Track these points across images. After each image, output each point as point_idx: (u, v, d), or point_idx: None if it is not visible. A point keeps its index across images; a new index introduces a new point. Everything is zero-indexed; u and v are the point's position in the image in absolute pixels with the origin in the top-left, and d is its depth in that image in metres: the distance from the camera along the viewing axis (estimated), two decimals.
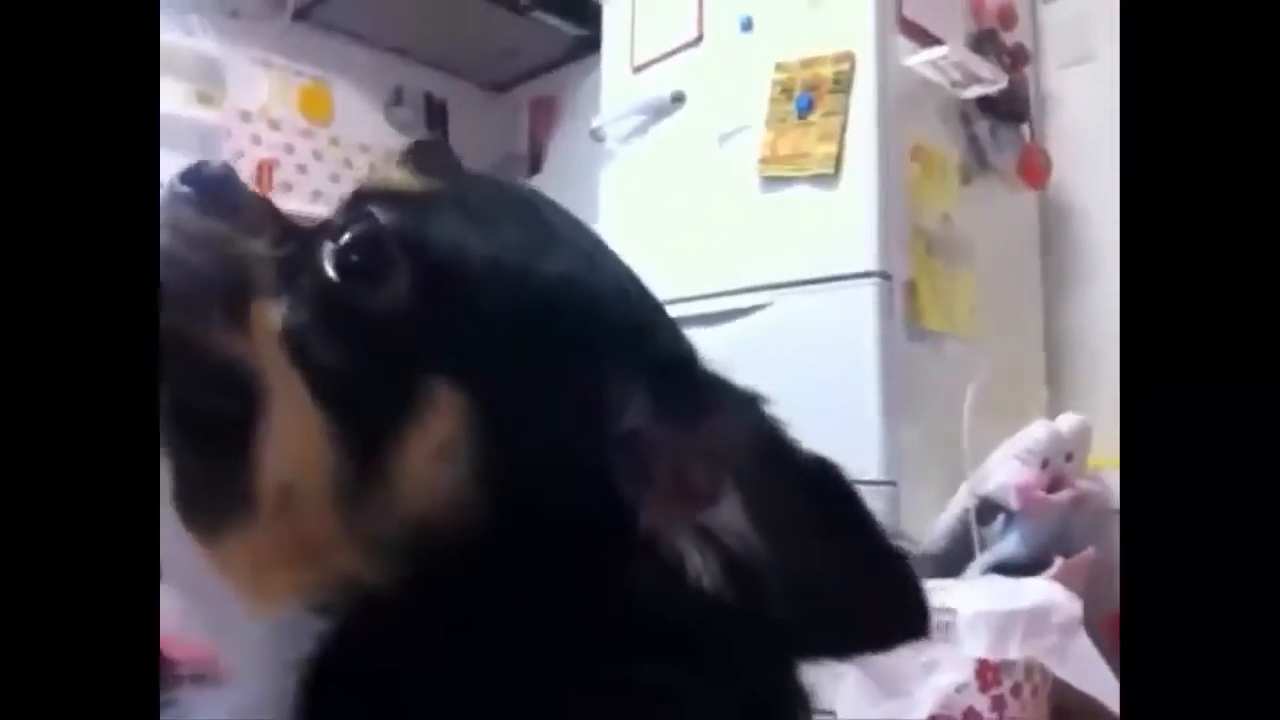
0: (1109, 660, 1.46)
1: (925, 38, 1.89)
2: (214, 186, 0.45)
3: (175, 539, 0.41)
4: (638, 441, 0.39)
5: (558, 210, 0.46)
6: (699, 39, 2.11)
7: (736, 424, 0.39)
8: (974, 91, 1.95)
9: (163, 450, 0.40)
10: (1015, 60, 2.08)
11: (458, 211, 0.43)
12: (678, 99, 2.11)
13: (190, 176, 0.45)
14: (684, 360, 0.43)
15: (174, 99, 2.81)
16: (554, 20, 3.05)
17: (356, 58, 3.30)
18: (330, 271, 0.41)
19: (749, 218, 1.93)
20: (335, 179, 3.24)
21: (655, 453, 0.39)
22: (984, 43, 2.02)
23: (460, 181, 0.46)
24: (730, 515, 0.38)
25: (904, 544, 0.39)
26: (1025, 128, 2.13)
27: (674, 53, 2.15)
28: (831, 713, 1.38)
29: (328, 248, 0.42)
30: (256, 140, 3.11)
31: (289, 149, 3.17)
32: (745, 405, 0.40)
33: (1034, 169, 2.13)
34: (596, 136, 2.32)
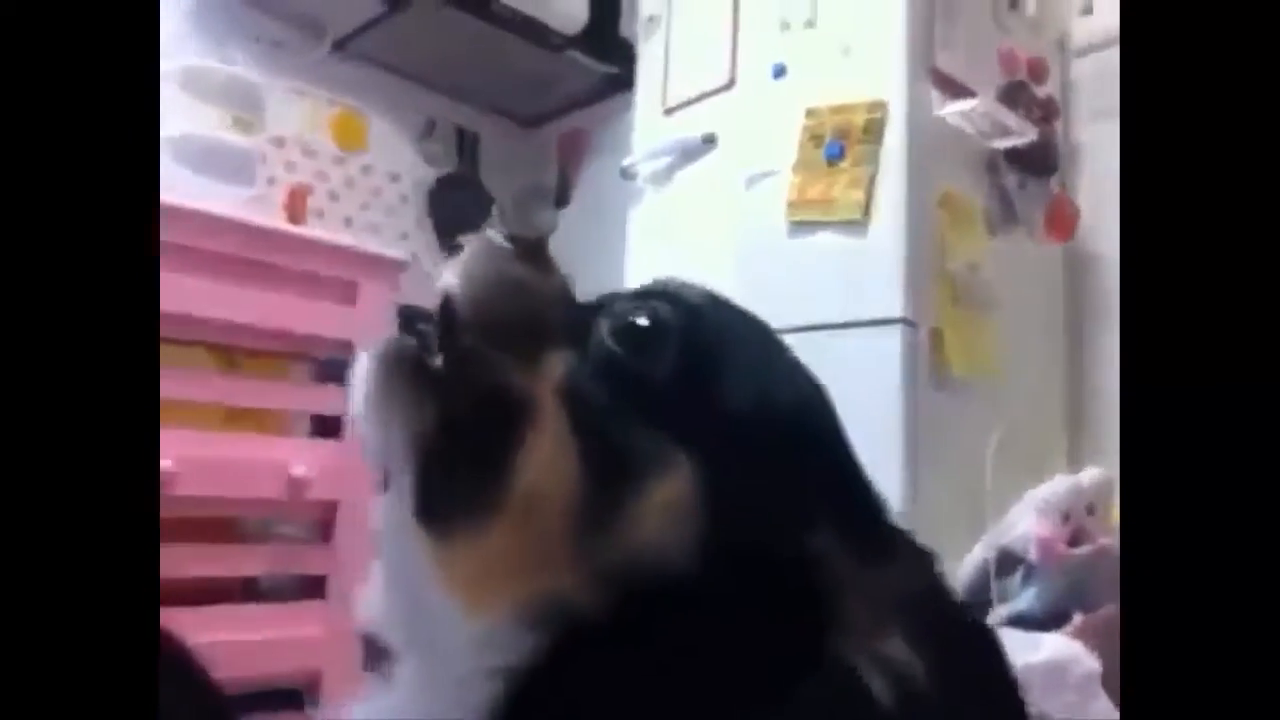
0: None
1: (956, 89, 1.91)
2: (536, 252, 0.53)
3: (399, 535, 0.47)
4: (824, 565, 0.44)
5: (791, 351, 0.53)
6: (731, 84, 2.13)
7: (910, 574, 0.45)
8: (1003, 143, 1.96)
9: (407, 463, 0.47)
10: (1045, 113, 2.10)
11: (723, 325, 0.51)
12: (708, 141, 2.14)
13: (510, 237, 0.53)
14: (877, 508, 0.48)
15: (211, 124, 2.86)
16: (586, 59, 3.09)
17: (391, 89, 3.35)
18: (609, 341, 0.49)
19: (775, 261, 1.94)
20: (366, 207, 3.28)
21: (836, 581, 0.44)
22: (1014, 95, 2.03)
23: (722, 303, 0.53)
24: (899, 649, 0.41)
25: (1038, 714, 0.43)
26: (1054, 180, 2.14)
27: (706, 96, 2.18)
28: None
29: (609, 321, 0.50)
30: (290, 167, 3.16)
31: (322, 176, 3.21)
32: (921, 560, 0.46)
33: (1062, 222, 2.13)
34: (627, 175, 2.35)
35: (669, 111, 2.27)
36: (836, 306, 1.82)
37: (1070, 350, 2.20)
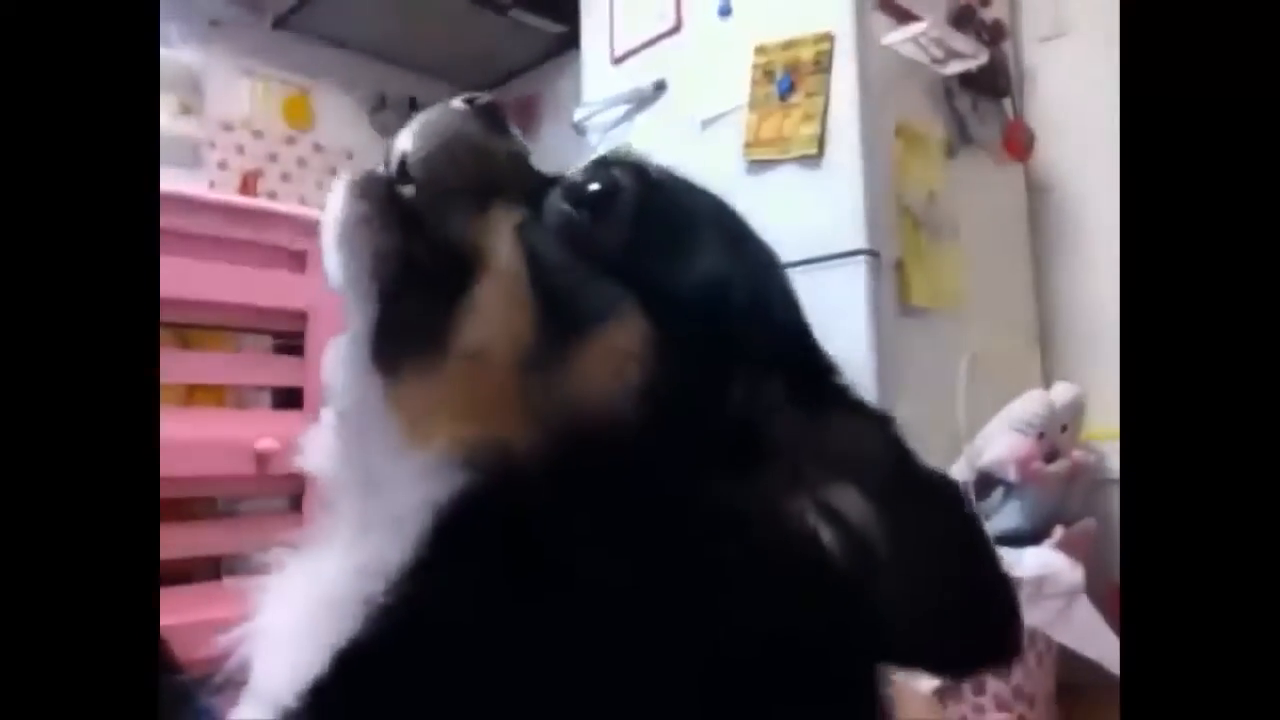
0: (1112, 627, 1.46)
1: (904, 16, 1.89)
2: (490, 113, 0.53)
3: (352, 373, 0.48)
4: (770, 416, 0.44)
5: (748, 223, 0.53)
6: (678, 27, 2.11)
7: (865, 431, 0.44)
8: (954, 68, 1.95)
9: (368, 293, 0.48)
10: (994, 35, 2.08)
11: (679, 195, 0.52)
12: (659, 88, 2.11)
13: (470, 100, 0.53)
14: (827, 366, 0.48)
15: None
16: (533, 18, 3.05)
17: (338, 64, 3.30)
18: (565, 202, 0.49)
19: (735, 202, 1.93)
20: (321, 186, 3.24)
21: (784, 432, 0.44)
22: (962, 19, 2.02)
23: (679, 176, 0.53)
24: (854, 501, 0.41)
25: (1009, 572, 0.43)
26: (1007, 102, 2.14)
27: (653, 42, 2.15)
28: None
29: (567, 184, 0.50)
30: (240, 150, 3.11)
31: (273, 158, 3.17)
32: (876, 419, 0.45)
33: (1017, 142, 2.13)
34: (579, 130, 2.32)
35: (617, 61, 2.24)
36: (799, 242, 1.80)
37: (1035, 270, 2.20)
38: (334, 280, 0.49)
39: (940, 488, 0.43)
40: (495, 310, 0.46)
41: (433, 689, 0.40)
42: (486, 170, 0.51)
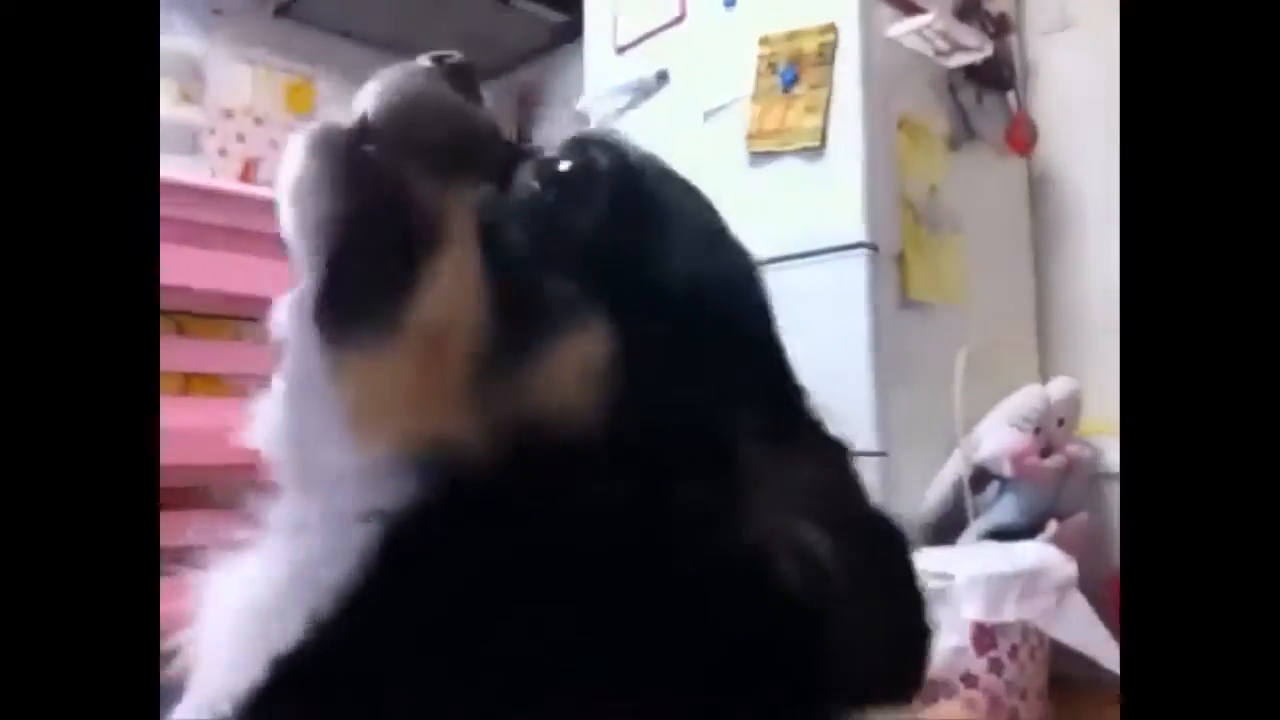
0: (1105, 621, 1.46)
1: (909, 8, 1.88)
2: (460, 74, 0.49)
3: (296, 332, 0.45)
4: (738, 446, 0.42)
5: (727, 224, 0.50)
6: (682, 17, 2.10)
7: (823, 463, 0.43)
8: (959, 60, 1.94)
9: (317, 251, 0.44)
10: (998, 28, 2.07)
11: (659, 184, 0.48)
12: (662, 78, 2.11)
13: (439, 59, 0.49)
14: (795, 392, 0.46)
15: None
16: (536, 7, 3.04)
17: (339, 51, 3.29)
18: (534, 181, 0.45)
19: (737, 193, 1.92)
20: None
21: (749, 462, 0.42)
22: (967, 11, 2.01)
23: (660, 163, 0.50)
24: (809, 532, 0.40)
25: (934, 620, 0.42)
26: (1011, 96, 2.13)
27: (657, 32, 2.15)
28: None
29: (538, 162, 0.46)
30: (241, 138, 3.10)
31: (274, 145, 3.16)
32: (833, 450, 0.44)
33: (1020, 136, 2.12)
34: (581, 120, 2.32)
35: (621, 50, 2.23)
36: (800, 235, 1.81)
37: (1035, 264, 2.20)
38: (285, 234, 0.46)
39: (883, 525, 0.42)
40: (448, 289, 0.42)
41: (367, 711, 0.38)
42: (452, 134, 0.47)
